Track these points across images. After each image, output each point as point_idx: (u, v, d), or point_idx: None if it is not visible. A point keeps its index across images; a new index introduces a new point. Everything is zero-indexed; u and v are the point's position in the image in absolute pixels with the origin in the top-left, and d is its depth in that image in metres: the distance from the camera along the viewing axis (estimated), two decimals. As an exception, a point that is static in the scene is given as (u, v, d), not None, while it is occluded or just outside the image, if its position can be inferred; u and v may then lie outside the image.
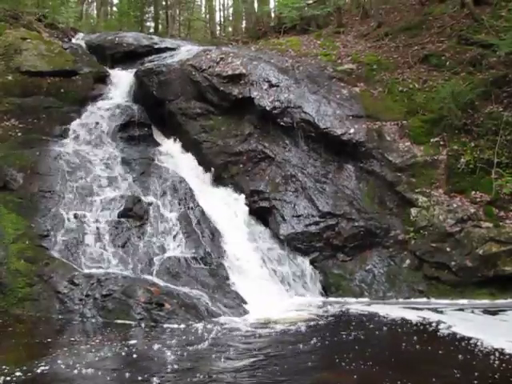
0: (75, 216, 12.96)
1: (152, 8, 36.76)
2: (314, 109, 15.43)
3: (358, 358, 8.00)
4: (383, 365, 7.63)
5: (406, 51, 17.99)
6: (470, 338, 8.80)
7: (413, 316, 10.76)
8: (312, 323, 10.43)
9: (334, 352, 8.45)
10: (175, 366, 7.60)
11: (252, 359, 8.04)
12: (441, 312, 11.28)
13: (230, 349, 8.63)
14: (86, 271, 11.70)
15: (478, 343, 8.50)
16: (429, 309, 11.64)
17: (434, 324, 9.96)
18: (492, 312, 11.37)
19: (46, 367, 7.53)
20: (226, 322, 10.49)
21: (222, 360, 7.98)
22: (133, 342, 8.94)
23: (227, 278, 12.71)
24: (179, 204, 14.08)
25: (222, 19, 44.93)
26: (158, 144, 16.39)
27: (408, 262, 13.50)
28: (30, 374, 7.25)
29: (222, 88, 16.33)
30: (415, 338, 9.12)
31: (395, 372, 7.42)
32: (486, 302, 12.37)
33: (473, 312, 11.38)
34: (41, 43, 17.97)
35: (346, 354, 8.26)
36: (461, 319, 10.53)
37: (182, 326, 10.10)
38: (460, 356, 7.96)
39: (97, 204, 13.38)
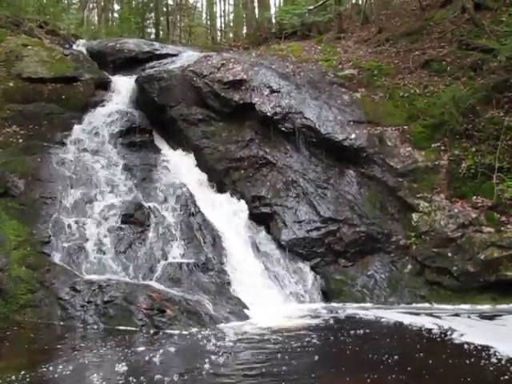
0: (76, 222, 12.96)
1: (153, 14, 36.85)
2: (315, 114, 15.45)
3: (370, 365, 7.92)
4: (401, 374, 7.48)
5: (406, 56, 18.02)
6: (484, 347, 8.66)
7: (420, 322, 10.69)
8: (314, 329, 10.40)
9: (342, 358, 8.42)
10: (177, 372, 7.57)
11: (255, 365, 8.02)
12: (445, 318, 11.23)
13: (232, 355, 8.61)
14: (88, 277, 11.69)
15: (496, 353, 8.35)
16: (433, 314, 11.59)
17: (448, 332, 9.83)
18: (489, 317, 11.35)
19: (48, 374, 7.52)
20: (228, 328, 10.47)
21: (224, 366, 7.96)
22: (135, 348, 8.92)
23: (229, 284, 12.71)
24: (180, 210, 14.09)
25: (223, 25, 45.09)
26: (159, 150, 16.38)
27: (409, 267, 13.50)
28: (30, 381, 7.23)
29: (222, 94, 16.34)
30: (430, 346, 9.04)
31: (415, 382, 7.37)
32: (487, 307, 12.36)
33: (469, 317, 11.37)
34: (42, 49, 17.99)
35: (356, 360, 8.24)
36: (468, 326, 10.46)
37: (184, 331, 10.08)
38: (480, 367, 7.80)
39: (98, 210, 13.38)
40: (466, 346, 8.87)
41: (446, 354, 8.46)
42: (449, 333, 9.81)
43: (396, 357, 8.17)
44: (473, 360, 8.06)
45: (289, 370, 7.67)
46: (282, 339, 9.58)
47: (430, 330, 10.07)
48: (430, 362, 8.04)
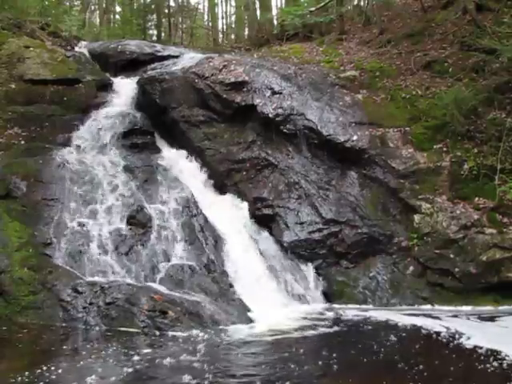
0: (78, 224, 12.96)
1: (155, 16, 36.92)
2: (317, 116, 15.44)
3: (381, 369, 7.88)
4: (417, 380, 7.44)
5: (408, 58, 18.01)
6: (494, 352, 8.64)
7: (430, 325, 10.67)
8: (317, 331, 10.38)
9: (347, 362, 8.30)
10: (178, 375, 7.56)
11: (257, 368, 8.00)
12: (450, 320, 11.20)
13: (233, 357, 8.60)
14: (90, 279, 11.68)
15: (506, 357, 8.36)
16: (438, 317, 11.56)
17: (456, 336, 9.81)
18: (490, 318, 11.39)
19: (50, 375, 7.52)
20: (230, 330, 10.46)
21: (226, 368, 7.95)
22: (137, 350, 8.91)
23: (231, 286, 12.69)
24: (182, 211, 14.06)
25: (225, 27, 45.10)
26: (160, 151, 16.36)
27: (412, 268, 13.47)
28: (33, 382, 7.23)
29: (224, 95, 16.35)
30: (444, 351, 8.95)
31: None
32: (489, 308, 12.35)
33: (469, 319, 11.40)
34: (44, 51, 18.00)
35: (364, 364, 8.16)
36: (473, 328, 10.46)
37: (186, 333, 10.07)
38: (494, 373, 7.75)
39: (100, 212, 13.38)
40: (478, 351, 8.81)
41: (460, 359, 8.42)
42: (457, 336, 9.77)
43: (420, 366, 8.01)
44: (486, 365, 7.99)
45: (292, 374, 7.61)
46: (284, 342, 9.58)
47: (439, 333, 10.01)
48: (452, 368, 7.97)
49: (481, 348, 8.91)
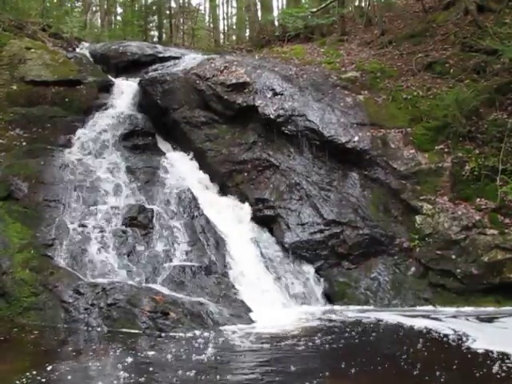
0: (80, 225, 12.97)
1: (156, 17, 36.86)
2: (318, 117, 15.44)
3: (396, 376, 7.80)
4: None
5: (409, 59, 18.02)
6: (505, 355, 8.55)
7: (436, 327, 10.61)
8: (319, 332, 10.34)
9: (357, 368, 8.04)
10: (180, 377, 7.54)
11: (258, 369, 7.98)
12: (454, 322, 11.16)
13: (234, 358, 8.58)
14: (91, 280, 11.69)
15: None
16: (440, 318, 11.53)
17: (463, 338, 9.74)
18: (490, 319, 11.38)
19: (52, 376, 7.50)
20: (232, 331, 10.43)
21: (227, 370, 7.94)
22: (138, 351, 8.90)
23: (232, 287, 12.68)
24: (184, 212, 14.08)
25: (226, 28, 45.10)
26: (162, 153, 16.37)
27: (413, 269, 13.47)
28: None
29: (226, 96, 16.35)
30: (454, 355, 8.83)
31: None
32: (491, 309, 12.34)
33: (468, 320, 11.38)
34: (45, 53, 18.02)
35: (376, 370, 8.00)
36: (477, 330, 10.40)
37: (188, 334, 10.05)
38: (509, 379, 7.59)
39: (101, 213, 13.39)
40: (489, 355, 8.67)
41: (474, 363, 8.31)
42: (464, 339, 9.69)
43: (437, 372, 7.80)
44: (499, 369, 7.88)
45: (295, 376, 7.57)
46: (285, 343, 9.55)
47: (448, 336, 9.94)
48: (477, 375, 7.79)
49: (492, 352, 8.77)
